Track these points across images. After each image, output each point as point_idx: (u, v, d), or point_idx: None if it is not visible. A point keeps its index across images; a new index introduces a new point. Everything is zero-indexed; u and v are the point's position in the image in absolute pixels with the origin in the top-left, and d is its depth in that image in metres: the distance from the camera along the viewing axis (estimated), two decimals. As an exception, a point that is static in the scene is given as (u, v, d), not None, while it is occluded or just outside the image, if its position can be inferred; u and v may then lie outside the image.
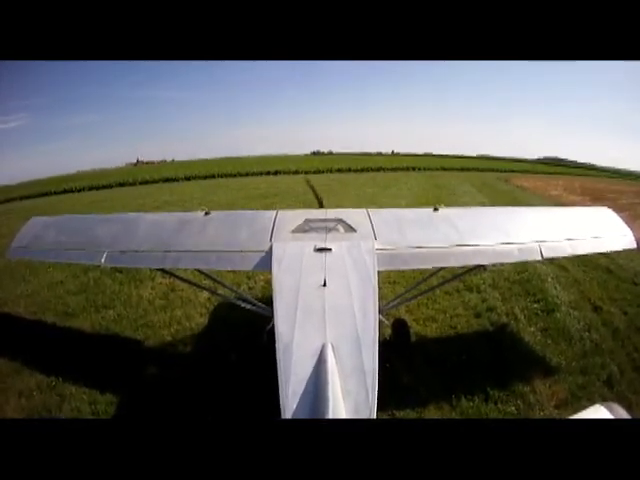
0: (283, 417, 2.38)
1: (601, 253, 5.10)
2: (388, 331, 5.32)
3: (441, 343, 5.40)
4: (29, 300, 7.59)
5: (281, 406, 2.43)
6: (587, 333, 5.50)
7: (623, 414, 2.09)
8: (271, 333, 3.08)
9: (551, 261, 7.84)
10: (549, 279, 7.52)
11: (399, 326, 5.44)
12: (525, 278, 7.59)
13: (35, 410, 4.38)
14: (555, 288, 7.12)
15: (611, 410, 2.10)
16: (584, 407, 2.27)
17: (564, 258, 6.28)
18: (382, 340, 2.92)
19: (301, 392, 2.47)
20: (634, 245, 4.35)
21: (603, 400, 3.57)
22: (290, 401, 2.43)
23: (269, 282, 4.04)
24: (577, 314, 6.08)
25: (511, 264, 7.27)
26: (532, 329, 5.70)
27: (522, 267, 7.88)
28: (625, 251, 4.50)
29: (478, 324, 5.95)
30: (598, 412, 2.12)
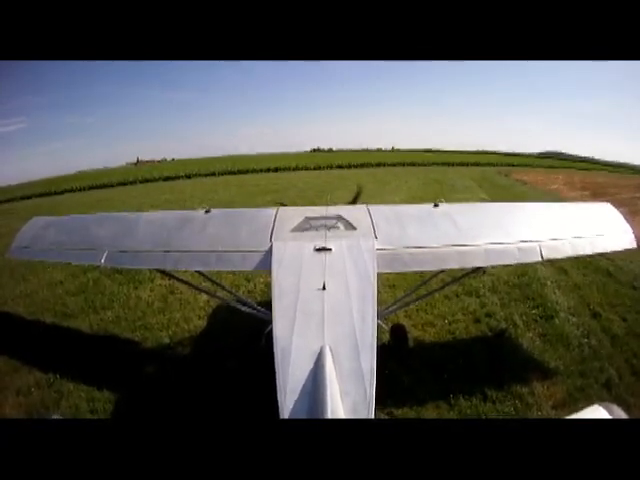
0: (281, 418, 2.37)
1: (601, 253, 5.07)
2: (387, 336, 5.28)
3: (440, 348, 5.38)
4: (28, 300, 7.61)
5: (279, 408, 2.42)
6: (586, 339, 5.46)
7: (621, 414, 2.09)
8: (269, 336, 3.08)
9: (551, 263, 7.81)
10: (548, 283, 7.47)
11: (398, 331, 5.40)
12: (525, 282, 7.54)
13: (33, 407, 4.38)
14: (554, 293, 7.07)
15: (609, 410, 2.10)
16: (582, 408, 2.26)
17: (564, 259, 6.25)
18: (381, 345, 2.90)
19: (299, 394, 2.46)
20: (634, 245, 4.33)
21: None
22: (288, 403, 2.43)
23: (268, 285, 4.05)
24: (576, 320, 6.03)
25: (511, 266, 7.26)
26: (530, 335, 5.67)
27: (522, 270, 7.85)
28: (625, 251, 4.48)
29: (477, 329, 5.92)
30: (596, 412, 2.12)
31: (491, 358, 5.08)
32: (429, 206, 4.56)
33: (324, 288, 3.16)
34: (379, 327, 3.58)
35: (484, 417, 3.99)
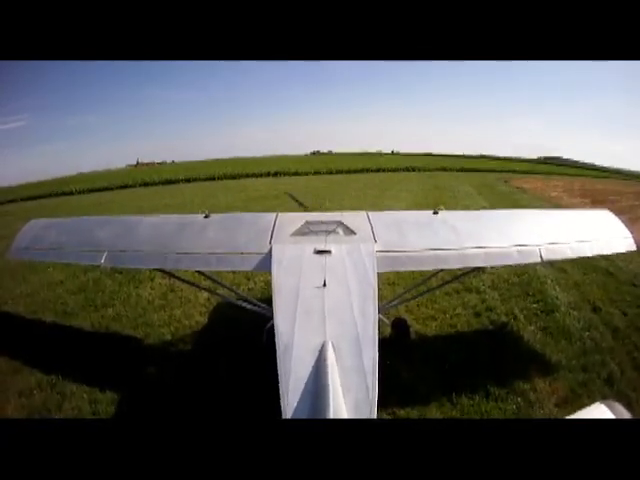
0: (283, 416, 2.38)
1: (601, 255, 5.11)
2: (388, 330, 5.33)
3: (441, 341, 5.43)
4: (29, 300, 7.60)
5: (281, 405, 2.44)
6: (587, 332, 5.50)
7: (624, 412, 2.09)
8: (271, 332, 3.10)
9: (551, 264, 7.86)
10: (549, 281, 7.52)
11: (399, 325, 5.46)
12: (525, 280, 7.60)
13: (36, 409, 4.36)
14: (555, 289, 7.12)
15: (612, 408, 2.11)
16: (585, 405, 2.26)
17: (563, 261, 6.29)
18: (382, 339, 2.93)
19: (301, 390, 2.48)
20: (634, 247, 4.35)
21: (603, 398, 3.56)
22: (290, 400, 2.44)
23: (268, 283, 4.06)
24: (577, 314, 6.09)
25: (511, 266, 7.29)
26: (532, 328, 5.71)
27: (522, 269, 7.89)
28: (624, 253, 4.51)
29: (478, 323, 5.98)
30: (599, 410, 2.12)
31: (492, 350, 5.11)
32: (429, 213, 4.60)
33: (324, 285, 3.20)
34: (380, 321, 3.60)
35: (487, 416, 3.98)
